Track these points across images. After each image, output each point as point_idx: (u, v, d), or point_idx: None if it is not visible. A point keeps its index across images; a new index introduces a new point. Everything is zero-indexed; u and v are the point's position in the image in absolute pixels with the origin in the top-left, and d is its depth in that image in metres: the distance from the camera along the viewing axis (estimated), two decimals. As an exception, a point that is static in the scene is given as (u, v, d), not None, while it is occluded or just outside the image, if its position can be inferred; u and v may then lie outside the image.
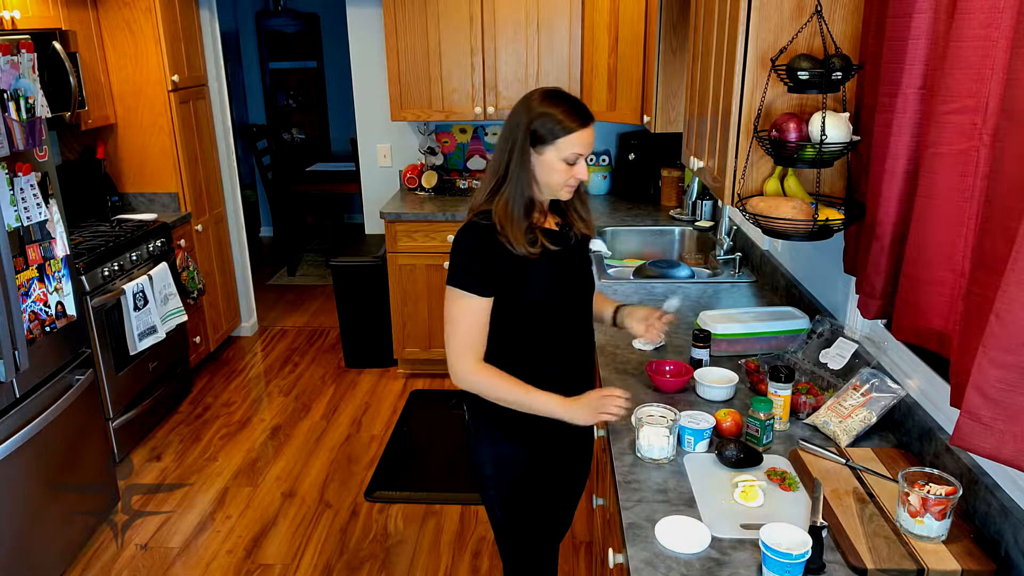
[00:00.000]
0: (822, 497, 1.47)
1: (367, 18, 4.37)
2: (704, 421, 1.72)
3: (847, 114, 1.69)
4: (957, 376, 1.27)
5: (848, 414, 1.72)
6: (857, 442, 1.71)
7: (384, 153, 4.59)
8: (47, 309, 2.69)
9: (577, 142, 1.66)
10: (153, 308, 3.60)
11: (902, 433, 1.71)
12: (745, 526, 1.43)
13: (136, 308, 3.48)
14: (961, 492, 1.34)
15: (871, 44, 1.62)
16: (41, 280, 2.66)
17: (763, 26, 1.77)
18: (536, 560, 2.01)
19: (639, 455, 1.68)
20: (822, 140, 1.65)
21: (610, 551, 1.76)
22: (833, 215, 1.71)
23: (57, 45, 3.29)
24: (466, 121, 4.43)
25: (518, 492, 1.90)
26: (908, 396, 1.71)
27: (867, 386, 1.73)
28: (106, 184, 4.00)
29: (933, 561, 1.29)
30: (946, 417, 1.56)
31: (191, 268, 4.15)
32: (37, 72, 2.63)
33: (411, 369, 4.38)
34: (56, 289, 2.74)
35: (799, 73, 1.66)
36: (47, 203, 2.67)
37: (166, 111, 3.99)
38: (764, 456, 1.66)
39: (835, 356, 1.93)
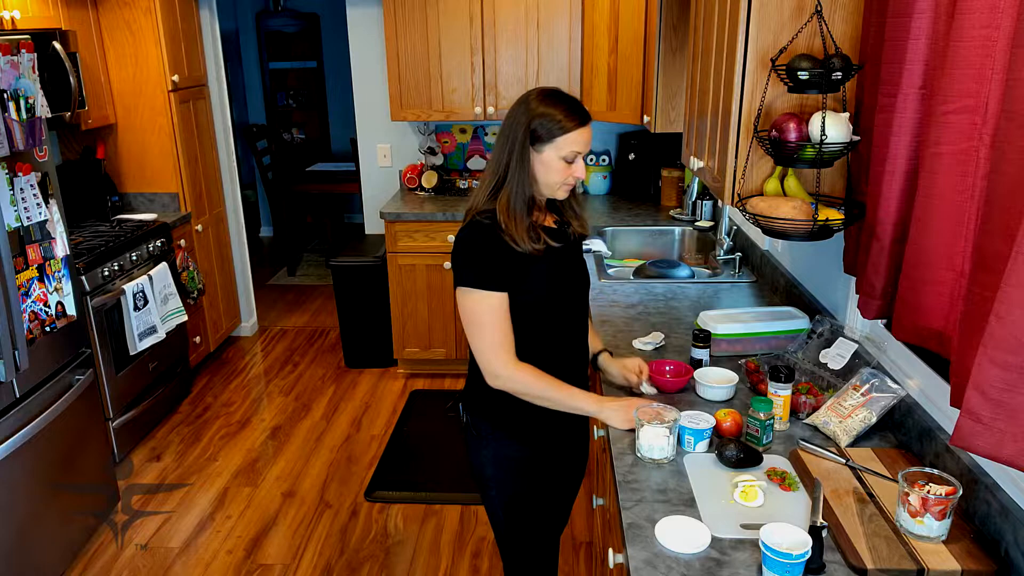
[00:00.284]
0: (822, 497, 1.47)
1: (367, 18, 4.37)
2: (704, 421, 1.72)
3: (847, 114, 1.69)
4: (957, 376, 1.27)
5: (848, 414, 1.72)
6: (857, 442, 1.71)
7: (384, 153, 4.59)
8: (47, 309, 2.69)
9: (576, 141, 1.69)
10: (153, 308, 3.60)
11: (902, 433, 1.71)
12: (745, 526, 1.43)
13: (136, 308, 3.48)
14: (961, 492, 1.34)
15: (871, 44, 1.62)
16: (41, 280, 2.66)
17: (763, 26, 1.77)
18: (538, 557, 2.02)
19: (639, 455, 1.68)
20: (822, 140, 1.65)
21: (610, 551, 1.76)
22: (833, 215, 1.71)
23: (57, 45, 3.29)
24: (466, 121, 4.43)
25: (519, 491, 1.91)
26: (908, 396, 1.71)
27: (867, 386, 1.73)
28: (106, 184, 4.00)
29: (933, 561, 1.29)
30: (946, 417, 1.56)
31: (191, 268, 4.15)
32: (37, 72, 2.63)
33: (411, 369, 4.38)
34: (56, 289, 2.74)
35: (799, 73, 1.66)
36: (47, 203, 2.67)
37: (166, 111, 3.99)
38: (764, 456, 1.66)
39: (835, 356, 1.93)
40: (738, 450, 1.62)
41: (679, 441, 1.71)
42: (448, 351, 4.22)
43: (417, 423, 3.82)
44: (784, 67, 1.70)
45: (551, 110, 1.68)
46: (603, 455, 2.13)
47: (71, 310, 2.82)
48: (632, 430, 1.75)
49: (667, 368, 2.04)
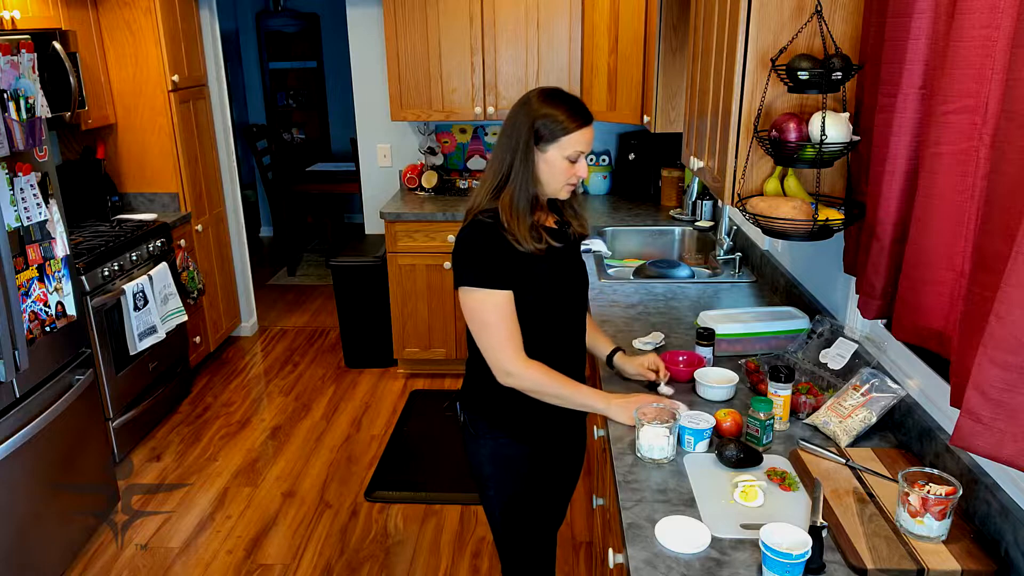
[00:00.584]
0: (822, 497, 1.47)
1: (367, 18, 4.37)
2: (704, 421, 1.72)
3: (847, 114, 1.69)
4: (957, 376, 1.27)
5: (848, 414, 1.72)
6: (857, 442, 1.71)
7: (384, 153, 4.59)
8: (47, 309, 2.69)
9: (579, 140, 1.71)
10: (153, 308, 3.60)
11: (902, 433, 1.71)
12: (745, 526, 1.43)
13: (136, 308, 3.48)
14: (961, 492, 1.34)
15: (871, 44, 1.62)
16: (41, 280, 2.66)
17: (763, 26, 1.77)
18: (536, 555, 2.03)
19: (639, 455, 1.68)
20: (822, 140, 1.65)
21: (610, 551, 1.76)
22: (833, 215, 1.71)
23: (57, 45, 3.29)
24: (466, 121, 4.43)
25: (517, 489, 1.91)
26: (908, 396, 1.71)
27: (867, 386, 1.73)
28: (106, 184, 4.00)
29: (933, 561, 1.29)
30: (946, 417, 1.56)
31: (191, 268, 4.15)
32: (37, 72, 2.63)
33: (411, 369, 4.38)
34: (56, 289, 2.74)
35: (799, 73, 1.66)
36: (47, 203, 2.67)
37: (166, 111, 3.99)
38: (764, 456, 1.66)
39: (835, 356, 1.93)
40: (738, 450, 1.62)
41: (679, 441, 1.71)
42: (448, 351, 4.22)
43: (417, 423, 3.82)
44: (784, 67, 1.70)
45: (555, 110, 1.69)
46: (603, 455, 2.13)
47: (71, 310, 2.82)
48: (631, 428, 1.75)
49: (680, 359, 2.06)
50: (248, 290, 4.95)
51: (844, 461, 1.60)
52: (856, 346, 1.91)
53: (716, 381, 1.95)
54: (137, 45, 3.89)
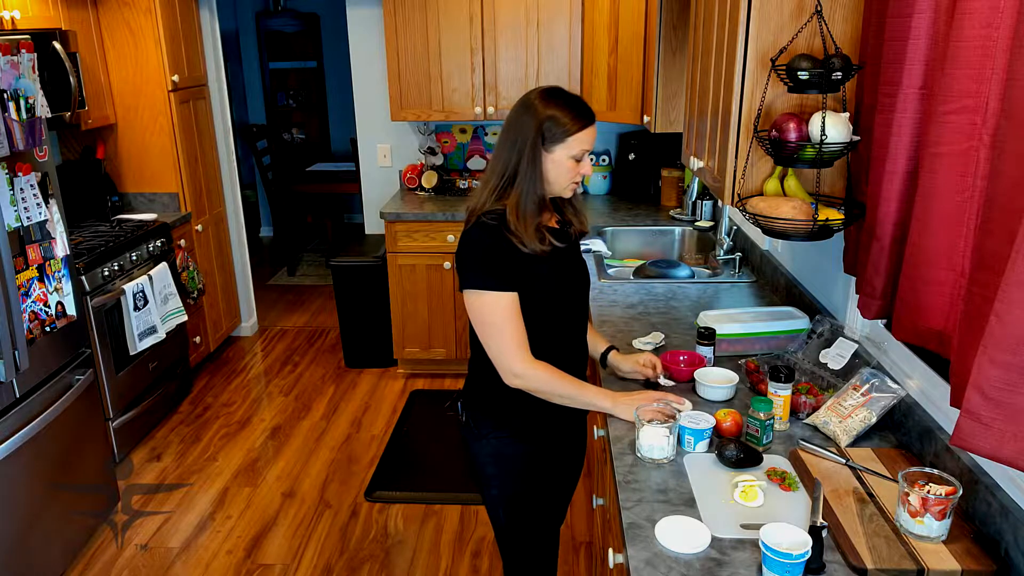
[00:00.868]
0: (822, 497, 1.47)
1: (367, 18, 4.37)
2: (704, 421, 1.72)
3: (847, 114, 1.69)
4: (957, 376, 1.27)
5: (848, 414, 1.72)
6: (857, 442, 1.71)
7: (384, 153, 4.59)
8: (47, 309, 2.69)
9: (585, 140, 1.73)
10: (153, 308, 3.60)
11: (902, 433, 1.71)
12: (745, 526, 1.43)
13: (136, 308, 3.48)
14: (961, 492, 1.34)
15: (871, 44, 1.62)
16: (41, 280, 2.66)
17: (763, 26, 1.77)
18: (539, 553, 2.03)
19: (639, 455, 1.68)
20: (822, 140, 1.65)
21: (610, 551, 1.76)
22: (833, 215, 1.71)
23: (57, 45, 3.29)
24: (466, 121, 4.43)
25: (520, 489, 1.92)
26: (908, 396, 1.71)
27: (867, 386, 1.73)
28: (106, 184, 4.00)
29: (933, 561, 1.29)
30: (946, 417, 1.56)
31: (191, 268, 4.15)
32: (37, 72, 2.63)
33: (411, 369, 4.38)
34: (56, 289, 2.74)
35: (799, 73, 1.66)
36: (47, 203, 2.67)
37: (166, 111, 3.99)
38: (764, 456, 1.66)
39: (835, 356, 1.93)
40: (738, 450, 1.62)
41: (679, 441, 1.71)
42: (448, 351, 4.22)
43: (417, 423, 3.82)
44: (784, 67, 1.70)
45: (560, 111, 1.71)
46: (603, 455, 2.13)
47: (71, 310, 2.82)
48: (631, 428, 1.75)
49: (680, 359, 2.06)
50: (248, 290, 4.95)
51: (844, 461, 1.60)
52: (856, 346, 1.91)
53: (716, 381, 1.95)
54: (137, 45, 3.89)
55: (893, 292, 1.56)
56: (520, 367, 1.74)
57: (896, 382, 1.74)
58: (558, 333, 1.85)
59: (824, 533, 1.34)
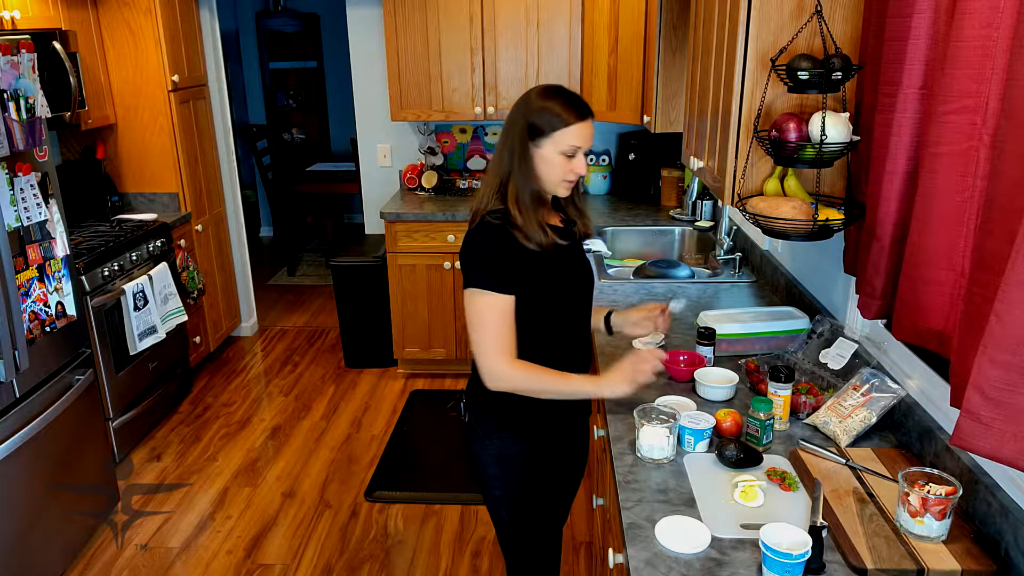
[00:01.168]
0: (822, 497, 1.47)
1: (367, 18, 4.37)
2: (704, 421, 1.72)
3: (847, 114, 1.69)
4: (957, 376, 1.27)
5: (848, 414, 1.72)
6: (857, 442, 1.71)
7: (384, 153, 4.59)
8: (47, 309, 2.69)
9: (574, 135, 1.68)
10: (153, 308, 3.60)
11: (902, 433, 1.71)
12: (745, 526, 1.43)
13: (136, 308, 3.48)
14: (961, 492, 1.34)
15: (871, 44, 1.62)
16: (41, 280, 2.66)
17: (763, 26, 1.77)
18: (542, 554, 2.03)
19: (639, 455, 1.68)
20: (822, 140, 1.65)
21: (610, 551, 1.76)
22: (833, 215, 1.71)
23: (57, 45, 3.29)
24: (466, 121, 4.43)
25: (522, 489, 1.91)
26: (908, 396, 1.71)
27: (867, 386, 1.73)
28: (106, 184, 4.00)
29: (933, 561, 1.29)
30: (946, 417, 1.56)
31: (191, 268, 4.15)
32: (37, 72, 2.63)
33: (411, 369, 4.38)
34: (56, 289, 2.74)
35: (799, 73, 1.66)
36: (47, 203, 2.67)
37: (166, 111, 3.99)
38: (764, 456, 1.66)
39: (835, 356, 1.93)
40: (738, 450, 1.62)
41: (679, 441, 1.71)
42: (448, 351, 4.22)
43: (417, 423, 3.82)
44: (784, 67, 1.70)
45: (549, 105, 1.68)
46: (603, 455, 2.13)
47: (71, 310, 2.82)
48: (631, 428, 1.75)
49: (680, 359, 2.06)
50: (248, 290, 4.95)
51: (844, 461, 1.60)
52: (856, 346, 1.91)
53: (716, 381, 1.95)
54: (137, 45, 3.89)
55: (893, 292, 1.56)
56: (499, 368, 1.73)
57: (896, 382, 1.74)
58: (562, 331, 1.85)
59: (824, 533, 1.34)
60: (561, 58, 4.03)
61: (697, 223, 3.49)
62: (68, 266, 2.79)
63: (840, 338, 1.96)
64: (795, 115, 1.72)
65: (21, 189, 2.54)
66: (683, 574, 1.32)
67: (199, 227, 4.30)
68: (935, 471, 1.39)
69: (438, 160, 4.48)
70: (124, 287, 3.41)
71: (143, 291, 3.53)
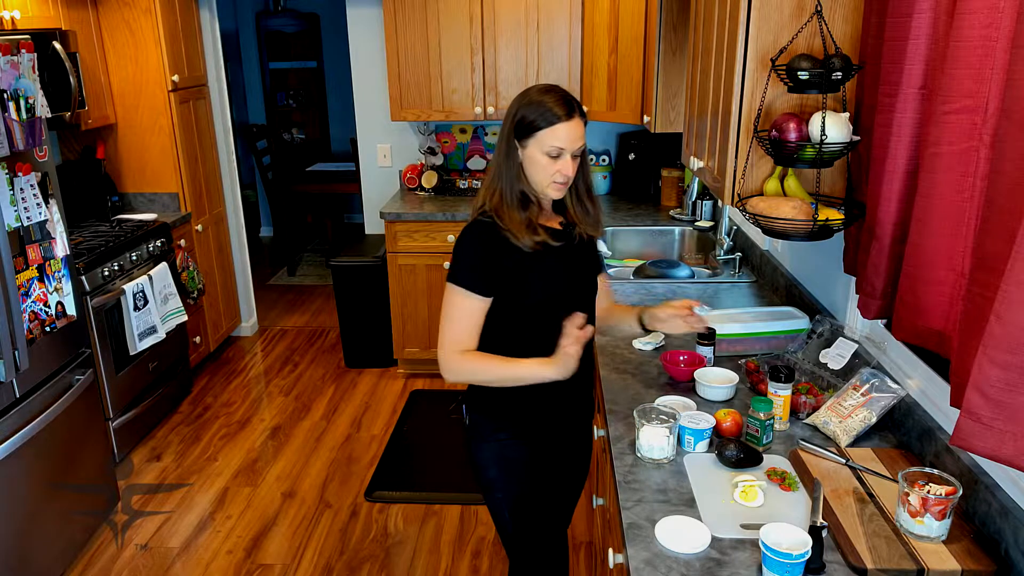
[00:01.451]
0: (822, 497, 1.47)
1: (367, 18, 4.37)
2: (704, 421, 1.72)
3: (847, 114, 1.69)
4: (957, 376, 1.27)
5: (848, 414, 1.72)
6: (857, 442, 1.71)
7: (384, 153, 4.59)
8: (47, 309, 2.69)
9: (557, 136, 1.64)
10: (153, 308, 3.60)
11: (902, 433, 1.71)
12: (745, 526, 1.43)
13: (136, 308, 3.48)
14: (961, 492, 1.34)
15: (871, 44, 1.62)
16: (41, 280, 2.66)
17: (763, 26, 1.77)
18: (547, 556, 2.02)
19: (639, 455, 1.68)
20: (822, 140, 1.65)
21: (610, 551, 1.76)
22: (833, 215, 1.71)
23: (57, 45, 3.29)
24: (466, 121, 4.43)
25: (524, 492, 1.90)
26: (908, 396, 1.71)
27: (867, 386, 1.73)
28: (106, 184, 4.00)
29: (933, 561, 1.29)
30: (946, 417, 1.56)
31: (191, 268, 4.15)
32: (37, 72, 2.63)
33: (411, 369, 4.38)
34: (56, 289, 2.74)
35: (799, 73, 1.66)
36: (47, 203, 2.67)
37: (166, 111, 3.99)
38: (764, 456, 1.66)
39: (835, 356, 1.93)
40: (738, 450, 1.62)
41: (679, 441, 1.71)
42: (448, 351, 4.21)
43: (417, 423, 3.82)
44: (784, 67, 1.70)
45: (535, 104, 1.66)
46: (603, 455, 2.13)
47: (71, 310, 2.82)
48: (631, 427, 1.75)
49: (680, 358, 2.06)
50: (248, 290, 4.95)
51: (844, 461, 1.60)
52: (856, 346, 1.91)
53: (716, 381, 1.95)
54: (137, 45, 3.89)
55: (893, 292, 1.56)
56: (448, 360, 1.76)
57: (896, 382, 1.74)
58: (551, 333, 1.76)
59: (824, 533, 1.34)
60: (561, 58, 4.03)
61: (697, 223, 3.49)
62: (68, 266, 2.79)
63: (840, 338, 1.96)
64: (795, 115, 1.72)
65: (21, 189, 2.54)
66: (683, 574, 1.32)
67: (199, 227, 4.30)
68: (935, 471, 1.39)
69: (438, 160, 4.48)
70: (124, 287, 3.41)
71: (143, 291, 3.53)
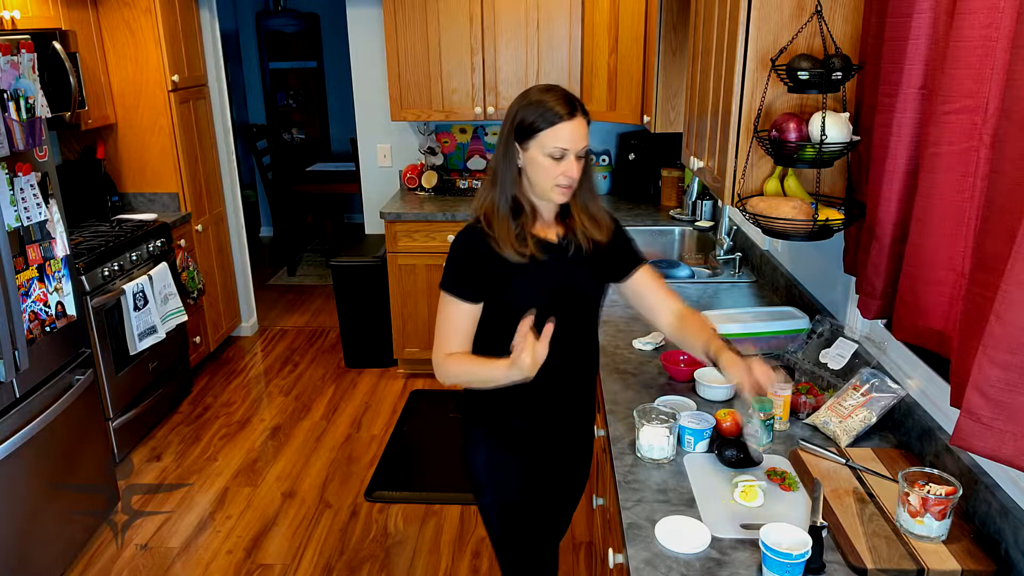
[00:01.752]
0: (822, 497, 1.47)
1: (367, 18, 4.37)
2: (704, 421, 1.73)
3: (847, 114, 1.69)
4: (957, 376, 1.27)
5: (848, 414, 1.72)
6: (857, 442, 1.71)
7: (384, 153, 4.59)
8: (47, 309, 2.69)
9: (560, 136, 1.58)
10: (153, 308, 3.60)
11: (902, 433, 1.71)
12: (745, 526, 1.43)
13: (136, 308, 3.48)
14: (961, 492, 1.34)
15: (871, 44, 1.62)
16: (41, 280, 2.66)
17: (763, 26, 1.77)
18: (534, 565, 1.98)
19: (639, 455, 1.68)
20: (822, 140, 1.65)
21: (610, 551, 1.76)
22: (833, 215, 1.71)
23: (57, 45, 3.29)
24: (466, 121, 4.43)
25: (514, 498, 1.88)
26: (908, 396, 1.71)
27: (867, 386, 1.73)
28: (106, 184, 4.00)
29: (933, 561, 1.29)
30: (946, 417, 1.56)
31: (191, 268, 4.15)
32: (37, 72, 2.63)
33: (411, 369, 4.38)
34: (56, 289, 2.74)
35: (799, 73, 1.66)
36: (47, 203, 2.67)
37: (166, 111, 3.99)
38: (764, 456, 1.66)
39: (835, 356, 1.93)
40: (738, 450, 1.62)
41: (679, 441, 1.71)
42: (448, 351, 4.21)
43: (417, 423, 3.82)
44: (784, 67, 1.70)
45: (535, 105, 1.60)
46: (603, 455, 2.13)
47: (71, 310, 2.82)
48: (631, 427, 1.75)
49: (681, 359, 2.06)
50: (248, 290, 4.95)
51: (844, 461, 1.60)
52: (856, 346, 1.91)
53: (716, 381, 1.95)
54: (137, 45, 3.89)
55: (893, 292, 1.56)
56: (435, 362, 1.75)
57: (896, 382, 1.74)
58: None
59: (824, 533, 1.34)
60: (561, 58, 4.03)
61: (697, 223, 3.49)
62: (68, 266, 2.79)
63: (840, 338, 1.96)
64: (795, 115, 1.72)
65: (21, 189, 2.54)
66: (683, 574, 1.32)
67: (199, 227, 4.30)
68: (935, 471, 1.39)
69: (438, 160, 4.48)
70: (124, 287, 3.41)
71: (143, 291, 3.53)
